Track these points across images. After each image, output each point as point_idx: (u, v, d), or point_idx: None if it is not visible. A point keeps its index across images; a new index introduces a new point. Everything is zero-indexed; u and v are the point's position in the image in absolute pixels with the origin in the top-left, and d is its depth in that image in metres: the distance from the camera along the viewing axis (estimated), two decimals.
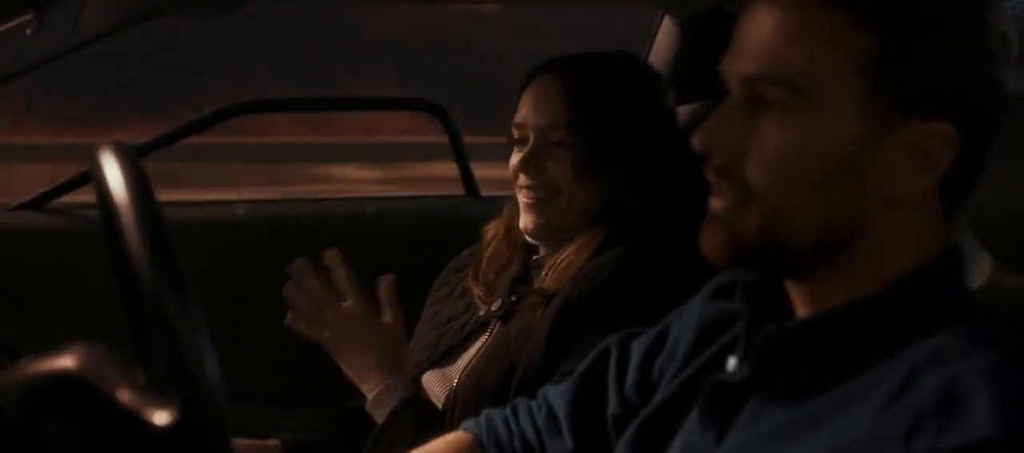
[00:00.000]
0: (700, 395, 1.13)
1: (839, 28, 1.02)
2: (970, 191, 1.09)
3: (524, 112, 1.83)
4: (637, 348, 1.35)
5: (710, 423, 1.11)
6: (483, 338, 1.85)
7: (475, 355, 1.83)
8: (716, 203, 1.09)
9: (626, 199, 1.81)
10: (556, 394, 1.43)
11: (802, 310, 1.11)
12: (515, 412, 1.46)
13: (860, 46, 1.02)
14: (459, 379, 1.81)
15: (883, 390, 0.99)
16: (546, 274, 1.82)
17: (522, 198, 1.83)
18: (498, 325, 1.84)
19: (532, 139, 1.81)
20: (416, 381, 1.89)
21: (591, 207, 1.81)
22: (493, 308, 1.85)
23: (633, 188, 1.81)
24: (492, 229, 1.94)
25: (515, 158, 1.83)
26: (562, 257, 1.81)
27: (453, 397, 1.79)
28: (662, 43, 2.32)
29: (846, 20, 1.02)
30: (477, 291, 1.90)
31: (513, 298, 1.83)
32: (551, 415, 1.42)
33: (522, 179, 1.82)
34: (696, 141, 1.08)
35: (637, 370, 1.32)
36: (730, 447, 1.08)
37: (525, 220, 1.83)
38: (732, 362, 1.13)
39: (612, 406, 1.34)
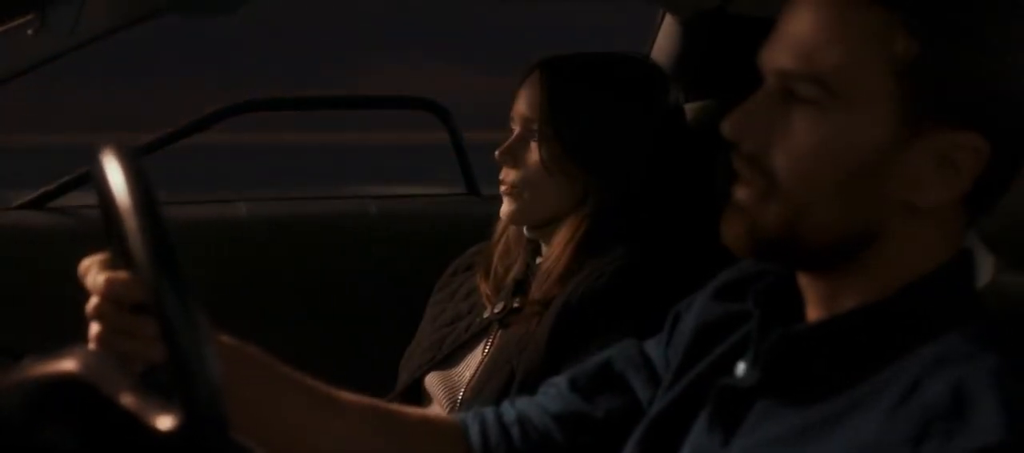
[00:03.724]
0: (708, 399, 1.13)
1: (879, 28, 1.02)
2: (994, 204, 1.08)
3: (514, 105, 1.86)
4: (651, 344, 1.33)
5: (718, 427, 1.10)
6: (485, 341, 1.84)
7: (478, 358, 1.83)
8: (740, 192, 1.08)
9: (604, 197, 1.81)
10: (569, 378, 1.35)
11: (814, 309, 1.10)
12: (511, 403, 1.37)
13: (899, 48, 1.01)
14: (463, 393, 1.80)
15: (891, 394, 0.99)
16: (537, 280, 1.82)
17: (501, 188, 1.85)
18: (498, 332, 1.83)
19: (516, 130, 1.84)
20: (418, 383, 1.89)
21: (564, 202, 1.81)
22: (496, 310, 1.85)
23: (615, 187, 1.81)
24: (503, 223, 1.94)
25: None
26: (548, 259, 1.81)
27: (457, 408, 1.78)
28: (663, 42, 2.31)
29: (887, 20, 1.01)
30: (485, 289, 1.89)
31: (516, 303, 1.83)
32: (570, 387, 1.33)
33: (503, 170, 1.84)
34: (725, 127, 1.07)
35: (661, 356, 1.30)
36: (736, 451, 1.07)
37: (503, 210, 1.85)
38: (742, 367, 1.12)
39: (643, 393, 1.30)
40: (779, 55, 1.06)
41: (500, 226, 1.94)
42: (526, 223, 1.86)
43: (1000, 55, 1.02)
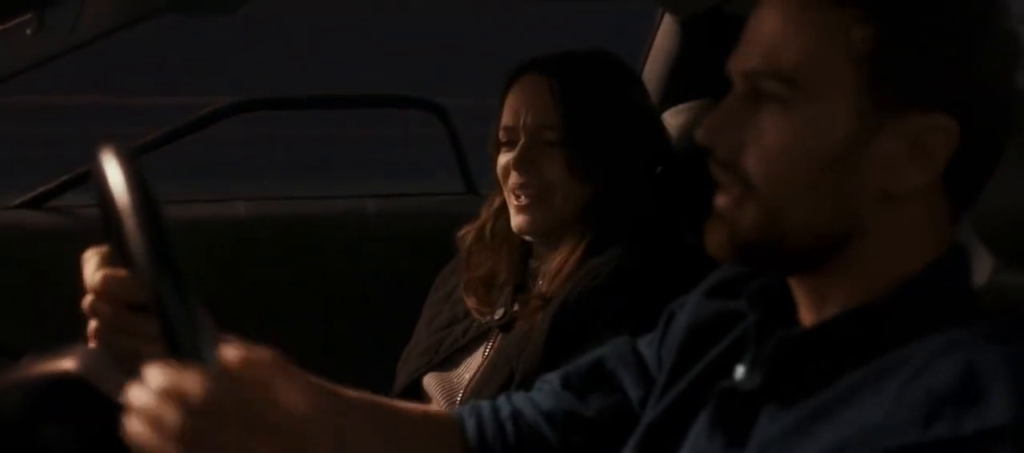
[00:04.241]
0: (708, 403, 1.13)
1: (835, 22, 1.03)
2: (977, 190, 1.09)
3: (513, 113, 1.82)
4: (644, 343, 1.33)
5: (719, 432, 1.10)
6: (485, 345, 1.84)
7: (478, 361, 1.82)
8: (720, 199, 1.09)
9: (613, 197, 1.80)
10: (562, 375, 1.37)
11: (805, 310, 1.10)
12: (507, 398, 1.39)
13: (856, 39, 1.03)
14: (462, 395, 1.80)
15: (897, 378, 0.99)
16: (542, 280, 1.82)
17: (514, 199, 1.82)
18: (499, 335, 1.83)
19: (523, 139, 1.80)
20: (416, 383, 1.89)
21: (582, 205, 1.80)
22: (496, 317, 1.84)
23: (619, 187, 1.81)
24: (467, 233, 1.93)
25: (505, 158, 1.82)
26: (555, 260, 1.81)
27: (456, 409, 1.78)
28: (662, 42, 2.32)
29: (843, 14, 1.03)
30: (470, 303, 1.88)
31: (516, 307, 1.82)
32: (563, 385, 1.35)
33: (514, 179, 1.80)
34: (699, 135, 1.08)
35: (654, 355, 1.31)
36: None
37: (518, 220, 1.82)
38: (740, 371, 1.12)
39: (634, 392, 1.32)
40: (744, 57, 1.08)
41: (467, 240, 1.92)
42: (544, 234, 1.83)
43: (958, 32, 1.04)
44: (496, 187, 1.88)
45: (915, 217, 1.05)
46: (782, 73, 1.05)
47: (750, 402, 1.08)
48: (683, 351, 1.22)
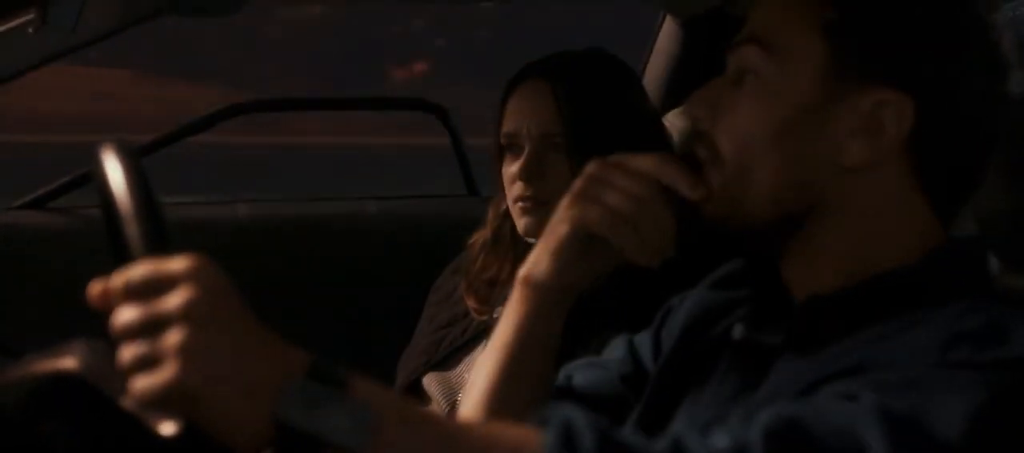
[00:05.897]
0: (717, 362, 1.14)
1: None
2: (957, 181, 1.10)
3: (516, 119, 1.81)
4: (640, 338, 1.34)
5: (731, 382, 1.12)
6: (484, 343, 1.84)
7: (476, 361, 1.82)
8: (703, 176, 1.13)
9: None
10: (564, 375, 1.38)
11: (799, 294, 1.12)
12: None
13: (826, 8, 1.08)
14: (461, 396, 1.79)
15: (920, 329, 1.00)
16: None
17: (521, 204, 1.81)
18: None
19: (528, 147, 1.80)
20: (416, 383, 1.89)
21: None
22: (495, 316, 1.84)
23: None
24: (479, 238, 1.93)
25: (512, 166, 1.81)
26: None
27: (456, 409, 1.78)
28: (663, 43, 2.32)
29: None
30: (470, 302, 1.88)
31: None
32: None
33: (522, 187, 1.79)
34: (685, 109, 1.13)
35: (650, 346, 1.31)
36: (753, 404, 1.07)
37: (523, 224, 1.81)
38: (739, 329, 1.14)
39: (629, 384, 1.32)
40: (737, 36, 1.13)
41: (478, 244, 1.91)
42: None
43: (920, 14, 1.07)
44: (498, 190, 1.87)
45: (880, 193, 1.08)
46: (758, 36, 1.10)
47: (765, 357, 1.10)
48: (687, 331, 1.24)
